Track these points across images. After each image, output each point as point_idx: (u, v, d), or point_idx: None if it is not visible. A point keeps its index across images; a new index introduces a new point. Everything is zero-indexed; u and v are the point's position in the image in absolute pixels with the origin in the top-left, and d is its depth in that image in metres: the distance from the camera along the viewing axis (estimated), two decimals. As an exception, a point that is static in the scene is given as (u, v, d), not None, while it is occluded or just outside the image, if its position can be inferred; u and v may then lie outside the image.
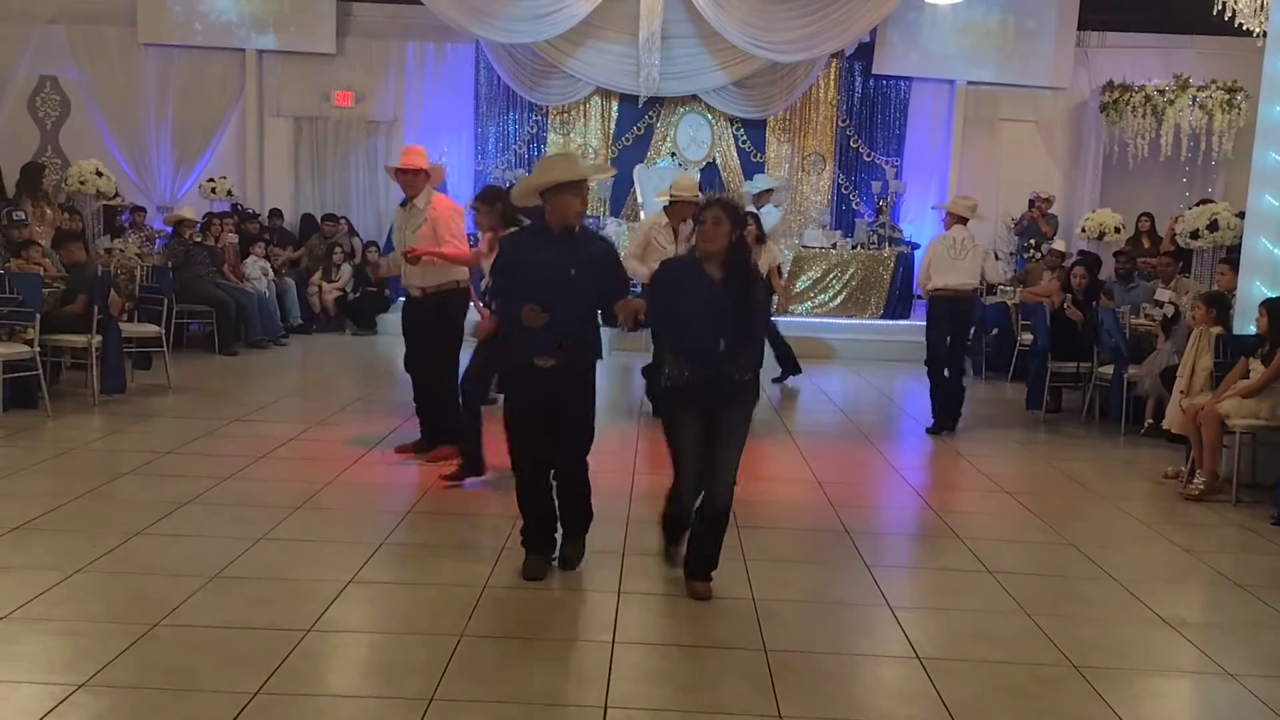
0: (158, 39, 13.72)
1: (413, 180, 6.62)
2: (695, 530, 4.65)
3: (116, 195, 12.43)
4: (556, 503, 4.89)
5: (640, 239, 8.23)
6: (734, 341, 4.44)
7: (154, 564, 4.75)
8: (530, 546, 4.86)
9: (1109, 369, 8.81)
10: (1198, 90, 13.44)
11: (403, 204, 6.69)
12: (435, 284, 6.57)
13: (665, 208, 8.24)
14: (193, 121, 13.97)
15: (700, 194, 7.96)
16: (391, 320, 11.03)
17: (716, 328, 4.42)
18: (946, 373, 8.37)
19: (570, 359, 4.64)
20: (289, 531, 5.29)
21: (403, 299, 6.96)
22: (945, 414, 8.37)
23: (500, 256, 4.88)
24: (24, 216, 9.54)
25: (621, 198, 14.04)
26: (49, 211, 11.26)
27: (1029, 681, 3.93)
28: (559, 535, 4.94)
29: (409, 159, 6.64)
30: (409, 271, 6.58)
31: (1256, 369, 6.68)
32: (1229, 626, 4.68)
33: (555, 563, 4.88)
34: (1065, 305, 9.04)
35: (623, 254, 9.71)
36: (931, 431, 8.33)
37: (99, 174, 11.95)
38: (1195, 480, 6.68)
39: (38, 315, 7.57)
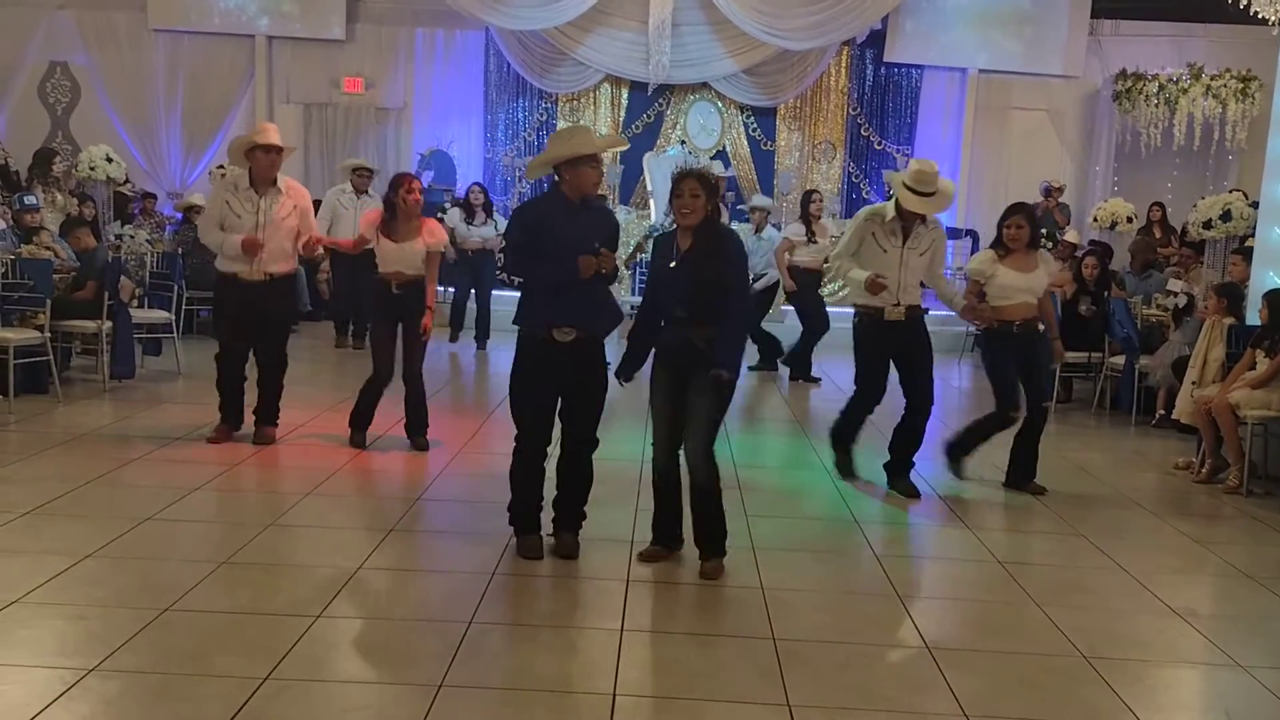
0: (168, 24, 13.72)
1: (276, 160, 6.42)
2: (691, 510, 4.78)
3: (127, 181, 12.45)
4: (558, 490, 4.90)
5: (850, 239, 6.21)
6: (696, 310, 4.55)
7: (164, 549, 4.77)
8: (521, 528, 4.89)
9: (1120, 359, 8.78)
10: (1211, 79, 13.35)
11: (250, 185, 6.40)
12: (288, 269, 6.57)
13: (899, 200, 6.05)
14: (203, 108, 13.97)
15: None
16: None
17: (677, 296, 4.58)
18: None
19: (590, 330, 4.70)
20: (298, 518, 5.30)
21: (217, 283, 6.66)
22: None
23: (515, 226, 4.88)
24: (36, 202, 9.56)
25: (631, 185, 14.00)
26: (59, 197, 11.28)
27: (1039, 672, 3.92)
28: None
29: (275, 135, 6.39)
30: (264, 256, 6.36)
31: (1262, 360, 6.66)
32: (1239, 618, 4.66)
33: (554, 549, 4.89)
34: (1084, 309, 8.90)
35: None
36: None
37: (109, 160, 11.96)
38: (1228, 475, 6.67)
39: (48, 301, 7.59)
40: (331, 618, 4.10)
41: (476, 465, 6.42)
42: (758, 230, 10.47)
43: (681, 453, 4.71)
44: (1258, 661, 4.11)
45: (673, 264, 4.60)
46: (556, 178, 4.78)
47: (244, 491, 5.79)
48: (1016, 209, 6.33)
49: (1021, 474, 6.44)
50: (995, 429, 6.35)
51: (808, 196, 10.21)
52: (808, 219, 9.98)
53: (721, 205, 8.05)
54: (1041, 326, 6.34)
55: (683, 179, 4.61)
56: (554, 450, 4.91)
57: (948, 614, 4.52)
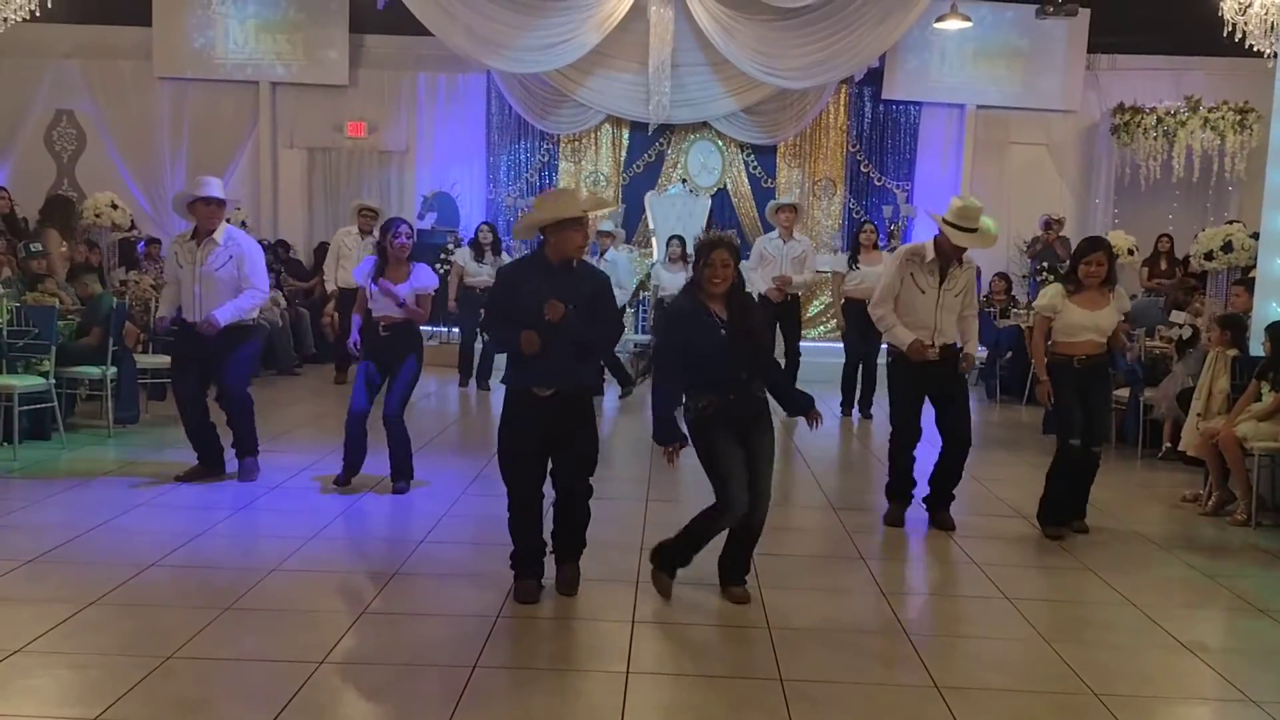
0: (173, 72, 13.88)
1: (216, 211, 6.68)
2: (731, 544, 4.88)
3: (132, 227, 12.53)
4: (552, 527, 4.92)
5: (891, 280, 6.16)
6: (751, 369, 4.74)
7: (167, 596, 4.75)
8: (520, 572, 4.87)
9: (1125, 392, 8.76)
10: (1209, 111, 13.43)
11: (192, 236, 6.71)
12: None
13: (938, 239, 6.07)
14: (207, 153, 14.08)
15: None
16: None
17: (736, 360, 4.70)
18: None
19: (568, 387, 4.72)
20: (301, 563, 5.28)
21: (174, 328, 6.89)
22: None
23: (495, 285, 4.97)
24: (41, 248, 9.61)
25: (633, 225, 14.08)
26: (67, 244, 11.34)
27: (1048, 710, 3.89)
28: (549, 557, 4.96)
29: (213, 188, 6.68)
30: (208, 308, 6.60)
31: (1268, 392, 6.64)
32: (1250, 652, 4.62)
33: (555, 587, 4.88)
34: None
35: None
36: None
37: (114, 206, 12.05)
38: (1235, 507, 6.64)
39: (53, 347, 7.61)
40: (335, 663, 4.07)
41: (480, 507, 6.40)
42: (602, 253, 10.86)
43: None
44: (1269, 696, 4.06)
45: (723, 331, 4.67)
46: (542, 238, 4.79)
47: (247, 536, 5.77)
48: (1097, 244, 6.14)
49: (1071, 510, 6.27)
50: (1065, 464, 6.11)
51: (860, 227, 10.51)
52: (857, 249, 10.22)
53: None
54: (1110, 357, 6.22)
55: (713, 249, 4.68)
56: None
57: (956, 651, 4.48)
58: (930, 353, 6.04)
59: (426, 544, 5.67)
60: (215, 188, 6.70)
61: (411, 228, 6.78)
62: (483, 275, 11.10)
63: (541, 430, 4.72)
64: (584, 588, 4.88)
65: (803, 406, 4.85)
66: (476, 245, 11.36)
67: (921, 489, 6.42)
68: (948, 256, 6.07)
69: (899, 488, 6.39)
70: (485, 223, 11.76)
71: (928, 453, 6.37)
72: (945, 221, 5.99)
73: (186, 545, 5.45)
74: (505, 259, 11.31)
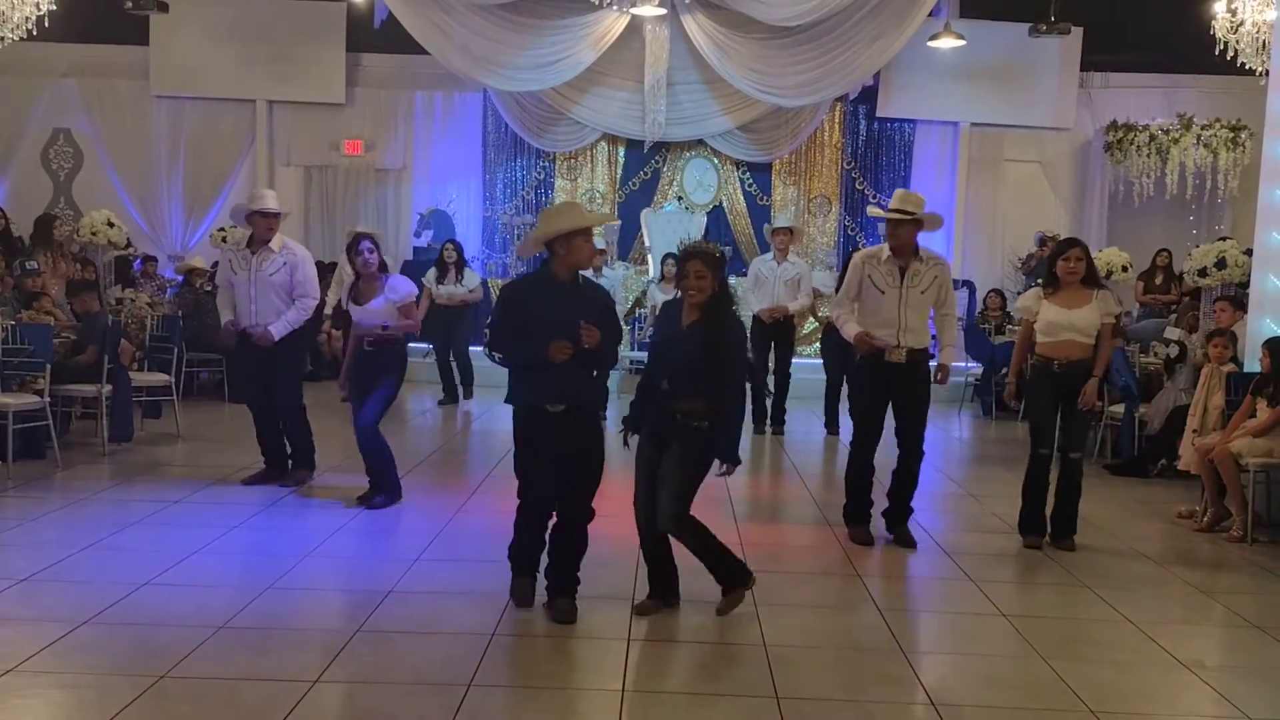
0: (169, 91, 13.91)
1: (274, 223, 6.99)
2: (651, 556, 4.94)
3: (128, 245, 12.53)
4: (548, 550, 4.92)
5: (853, 279, 6.21)
6: (682, 383, 4.65)
7: (161, 614, 4.73)
8: (518, 567, 4.91)
9: (1120, 408, 8.77)
10: (1202, 129, 13.49)
11: (248, 245, 7.03)
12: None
13: (890, 237, 6.08)
14: (204, 172, 14.12)
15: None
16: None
17: (666, 366, 4.72)
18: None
19: (580, 403, 4.74)
20: (296, 580, 5.26)
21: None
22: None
23: (498, 305, 4.97)
24: (36, 267, 9.62)
25: (629, 241, 14.11)
26: (60, 263, 11.33)
27: (1045, 727, 3.88)
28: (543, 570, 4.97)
29: (272, 201, 6.99)
30: (261, 311, 6.95)
31: (1263, 407, 6.65)
32: (1247, 669, 4.61)
33: (551, 615, 4.85)
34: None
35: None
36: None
37: (110, 225, 12.03)
38: (1231, 524, 6.64)
39: (48, 365, 7.60)
40: (329, 682, 4.06)
41: (475, 524, 6.39)
42: (597, 270, 10.98)
43: None
44: (1266, 714, 4.06)
45: (675, 336, 4.67)
46: (547, 255, 4.77)
47: (242, 554, 5.76)
48: (1073, 242, 6.18)
49: (1055, 528, 6.23)
50: (1038, 475, 6.18)
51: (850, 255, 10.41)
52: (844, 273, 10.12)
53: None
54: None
55: (687, 260, 4.67)
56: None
57: (953, 669, 4.48)
58: (896, 353, 5.97)
59: (421, 561, 5.65)
60: (272, 201, 7.01)
61: (375, 243, 6.76)
62: (441, 293, 11.05)
63: (556, 444, 4.74)
64: (580, 605, 4.85)
65: (721, 454, 4.73)
66: (441, 264, 11.22)
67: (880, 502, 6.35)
68: (905, 254, 6.03)
69: (855, 511, 6.29)
70: (450, 240, 11.61)
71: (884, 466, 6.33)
72: (885, 211, 6.05)
73: (180, 564, 5.44)
74: (471, 275, 11.31)
